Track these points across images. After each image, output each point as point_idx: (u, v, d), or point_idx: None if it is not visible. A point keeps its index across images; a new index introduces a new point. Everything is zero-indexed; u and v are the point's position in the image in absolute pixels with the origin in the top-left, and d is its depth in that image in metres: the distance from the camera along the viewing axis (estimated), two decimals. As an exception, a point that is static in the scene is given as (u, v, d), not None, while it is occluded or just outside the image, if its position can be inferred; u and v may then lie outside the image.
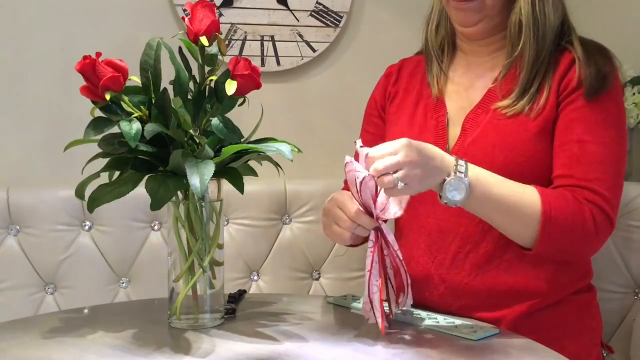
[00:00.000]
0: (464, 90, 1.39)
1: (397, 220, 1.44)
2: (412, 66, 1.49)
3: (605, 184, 1.25)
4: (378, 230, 1.17)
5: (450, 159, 1.18)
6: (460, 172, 1.17)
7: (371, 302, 1.15)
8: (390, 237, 1.17)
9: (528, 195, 1.22)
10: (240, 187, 1.14)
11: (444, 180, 1.16)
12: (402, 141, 1.12)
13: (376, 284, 1.14)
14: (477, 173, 1.20)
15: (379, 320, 1.15)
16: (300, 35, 1.95)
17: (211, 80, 1.14)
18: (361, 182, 1.13)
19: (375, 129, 1.50)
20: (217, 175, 1.12)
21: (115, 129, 1.10)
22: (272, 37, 1.94)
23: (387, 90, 1.49)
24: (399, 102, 1.46)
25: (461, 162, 1.18)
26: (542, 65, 1.31)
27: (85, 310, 1.37)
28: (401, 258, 1.18)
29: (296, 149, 1.15)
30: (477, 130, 1.31)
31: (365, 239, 1.21)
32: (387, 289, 1.20)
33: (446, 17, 1.41)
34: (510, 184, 1.22)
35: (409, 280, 1.19)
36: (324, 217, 1.31)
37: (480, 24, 1.34)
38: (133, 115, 1.10)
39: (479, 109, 1.34)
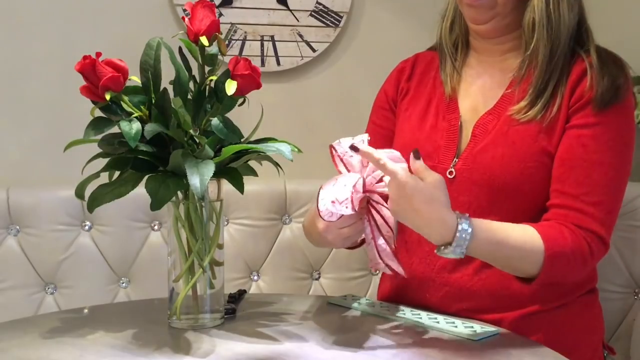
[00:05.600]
0: (476, 90, 1.38)
1: (400, 223, 1.44)
2: (426, 62, 1.47)
3: (605, 208, 1.24)
4: (368, 203, 1.18)
5: (450, 226, 1.13)
6: (458, 244, 1.13)
7: (382, 258, 1.18)
8: (381, 208, 1.19)
9: (530, 242, 1.20)
10: (240, 187, 1.14)
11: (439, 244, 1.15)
12: (401, 181, 1.10)
13: (382, 242, 1.18)
14: (476, 236, 1.14)
15: (399, 267, 1.19)
16: (300, 35, 1.95)
17: (211, 80, 1.14)
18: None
19: (385, 122, 1.47)
20: (217, 175, 1.12)
21: (115, 129, 1.10)
22: (272, 37, 1.94)
23: (399, 86, 1.47)
24: (410, 99, 1.44)
25: (463, 230, 1.13)
26: (556, 66, 1.29)
27: (85, 310, 1.37)
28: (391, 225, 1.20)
29: (296, 149, 1.15)
30: (487, 137, 1.30)
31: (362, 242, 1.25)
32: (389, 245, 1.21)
33: (460, 15, 1.39)
34: (511, 237, 1.19)
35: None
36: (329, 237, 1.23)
37: (492, 21, 1.32)
38: (133, 115, 1.10)
39: (490, 115, 1.33)
